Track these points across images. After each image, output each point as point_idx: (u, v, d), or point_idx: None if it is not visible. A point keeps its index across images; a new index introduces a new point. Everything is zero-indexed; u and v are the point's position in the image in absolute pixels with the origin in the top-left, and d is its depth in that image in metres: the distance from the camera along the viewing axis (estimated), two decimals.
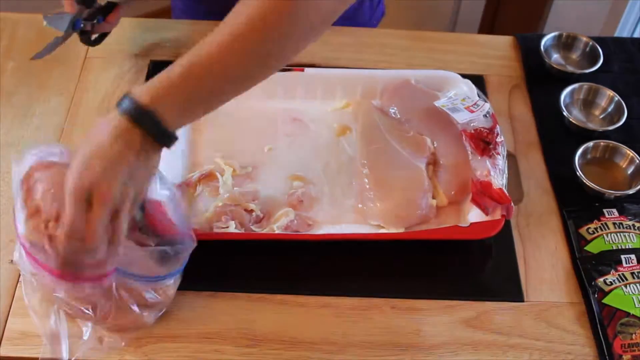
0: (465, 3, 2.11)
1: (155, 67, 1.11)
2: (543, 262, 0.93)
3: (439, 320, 0.87)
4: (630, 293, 0.88)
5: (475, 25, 2.13)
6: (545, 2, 1.94)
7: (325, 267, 0.92)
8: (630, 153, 1.01)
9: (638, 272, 0.90)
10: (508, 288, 0.91)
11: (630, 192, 0.97)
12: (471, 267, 0.94)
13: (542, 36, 1.16)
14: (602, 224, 0.95)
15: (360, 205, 0.96)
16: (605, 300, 0.88)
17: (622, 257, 0.91)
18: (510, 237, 0.95)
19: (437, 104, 1.01)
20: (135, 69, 1.11)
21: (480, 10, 2.10)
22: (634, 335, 0.85)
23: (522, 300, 0.89)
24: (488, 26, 2.09)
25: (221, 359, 0.83)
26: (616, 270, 0.90)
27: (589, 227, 0.95)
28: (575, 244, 0.94)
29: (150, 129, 0.72)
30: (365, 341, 0.85)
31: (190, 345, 0.84)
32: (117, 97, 1.05)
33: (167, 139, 0.73)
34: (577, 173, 0.98)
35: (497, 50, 1.19)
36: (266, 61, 0.78)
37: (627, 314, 0.87)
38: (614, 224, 0.95)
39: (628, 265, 0.90)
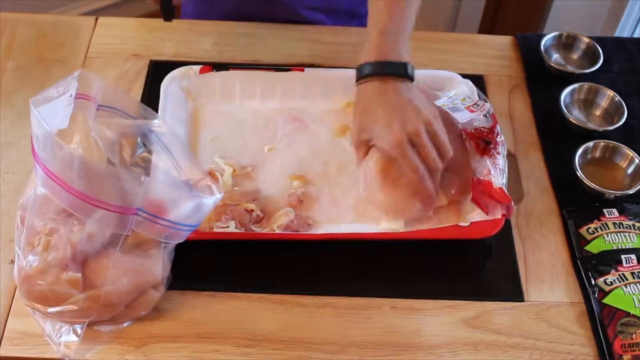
0: (465, 3, 2.11)
1: (155, 67, 1.11)
2: (543, 262, 0.93)
3: (439, 320, 0.87)
4: (631, 293, 0.88)
5: (475, 25, 2.13)
6: (545, 2, 1.94)
7: (325, 267, 0.92)
8: (630, 153, 1.01)
9: (638, 272, 0.90)
10: (508, 288, 0.91)
11: (630, 192, 0.97)
12: (471, 267, 0.94)
13: (542, 36, 1.16)
14: (602, 224, 0.95)
15: (362, 191, 0.95)
16: (606, 300, 0.88)
17: (623, 257, 0.91)
18: (510, 237, 0.95)
19: (438, 103, 1.01)
20: (135, 69, 1.11)
21: (480, 10, 2.10)
22: (634, 335, 0.85)
23: (522, 300, 0.89)
24: (488, 26, 2.09)
25: (221, 359, 0.83)
26: (616, 270, 0.90)
27: (589, 227, 0.95)
28: (575, 244, 0.94)
29: (397, 70, 0.91)
30: (365, 341, 0.85)
31: (190, 345, 0.84)
32: None
33: (411, 70, 0.92)
34: (577, 173, 0.98)
35: (497, 50, 1.19)
36: None
37: (628, 314, 0.87)
38: (614, 223, 0.95)
39: (628, 265, 0.90)
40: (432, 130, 0.90)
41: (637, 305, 0.87)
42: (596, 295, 0.89)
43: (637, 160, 1.01)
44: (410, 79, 0.93)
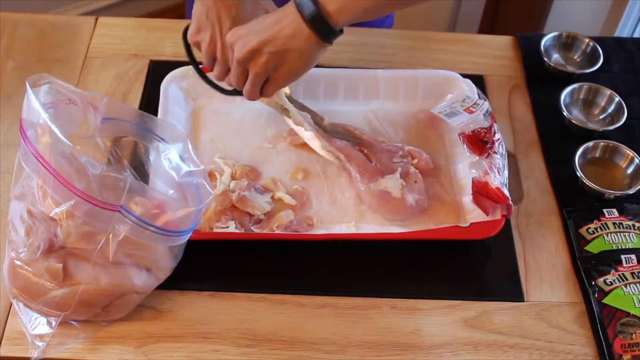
0: (465, 3, 2.11)
1: (155, 67, 1.11)
2: (543, 262, 0.93)
3: (439, 320, 0.87)
4: (631, 293, 0.88)
5: (475, 25, 2.13)
6: (545, 2, 1.94)
7: (325, 267, 0.92)
8: (630, 153, 1.01)
9: (638, 272, 0.90)
10: (508, 288, 0.91)
11: (630, 192, 0.97)
12: (471, 267, 0.94)
13: (542, 36, 1.16)
14: (602, 224, 0.95)
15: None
16: (606, 300, 0.88)
17: (622, 257, 0.91)
18: (510, 237, 0.95)
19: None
20: (135, 69, 1.11)
21: (480, 10, 2.10)
22: (634, 335, 0.85)
23: (522, 300, 0.89)
24: (488, 26, 2.09)
25: (221, 359, 0.83)
26: (616, 270, 0.90)
27: (589, 227, 0.95)
28: (575, 244, 0.94)
29: (324, 32, 0.84)
30: (365, 341, 0.85)
31: (190, 345, 0.84)
32: (117, 97, 1.07)
33: (333, 36, 0.86)
34: (577, 173, 0.98)
35: (497, 50, 1.19)
36: None
37: (627, 314, 0.87)
38: (614, 223, 0.95)
39: (628, 265, 0.90)
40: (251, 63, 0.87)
41: (637, 305, 0.87)
42: (596, 295, 0.89)
43: (637, 160, 1.01)
44: (326, 40, 0.86)
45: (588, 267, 0.91)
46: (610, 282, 0.89)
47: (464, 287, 0.91)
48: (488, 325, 0.87)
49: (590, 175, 0.98)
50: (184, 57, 1.13)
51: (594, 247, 0.93)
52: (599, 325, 0.86)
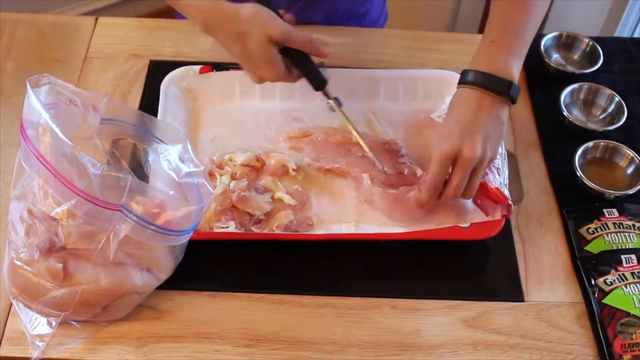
0: (465, 3, 2.11)
1: (156, 67, 1.11)
2: (543, 262, 0.93)
3: (439, 320, 0.87)
4: (631, 293, 0.88)
5: (475, 25, 2.13)
6: None
7: (325, 267, 0.92)
8: (630, 153, 1.01)
9: (638, 272, 0.90)
10: (508, 288, 0.91)
11: (630, 192, 0.97)
12: (471, 267, 0.94)
13: (542, 36, 1.16)
14: (602, 224, 0.95)
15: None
16: (606, 300, 0.88)
17: (623, 257, 0.91)
18: (510, 237, 0.95)
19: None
20: (135, 69, 1.11)
21: (480, 10, 2.11)
22: (634, 335, 0.85)
23: (522, 300, 0.89)
24: None
25: (221, 359, 0.83)
26: (616, 270, 0.90)
27: (589, 227, 0.95)
28: (575, 244, 0.94)
29: (499, 87, 0.88)
30: (365, 341, 0.85)
31: (190, 345, 0.84)
32: (117, 97, 1.07)
33: (515, 91, 0.89)
34: (577, 173, 0.98)
35: None
36: None
37: (628, 314, 0.87)
38: (614, 224, 0.95)
39: (628, 265, 0.90)
40: (480, 166, 0.88)
41: (637, 306, 0.87)
42: (596, 295, 0.89)
43: (637, 160, 1.01)
44: (510, 98, 0.89)
45: (588, 267, 0.91)
46: (611, 282, 0.89)
47: (464, 287, 0.91)
48: (488, 325, 0.87)
49: (590, 175, 0.98)
50: (184, 57, 1.13)
51: (594, 247, 0.93)
52: (599, 325, 0.86)
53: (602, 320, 0.87)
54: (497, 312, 0.88)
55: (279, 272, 0.91)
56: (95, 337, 0.83)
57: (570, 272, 0.92)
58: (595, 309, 0.88)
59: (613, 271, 0.90)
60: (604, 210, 0.96)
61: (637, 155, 1.01)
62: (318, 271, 0.92)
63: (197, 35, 1.16)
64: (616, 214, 0.96)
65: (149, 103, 1.05)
